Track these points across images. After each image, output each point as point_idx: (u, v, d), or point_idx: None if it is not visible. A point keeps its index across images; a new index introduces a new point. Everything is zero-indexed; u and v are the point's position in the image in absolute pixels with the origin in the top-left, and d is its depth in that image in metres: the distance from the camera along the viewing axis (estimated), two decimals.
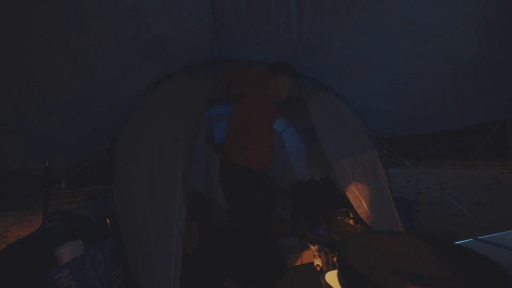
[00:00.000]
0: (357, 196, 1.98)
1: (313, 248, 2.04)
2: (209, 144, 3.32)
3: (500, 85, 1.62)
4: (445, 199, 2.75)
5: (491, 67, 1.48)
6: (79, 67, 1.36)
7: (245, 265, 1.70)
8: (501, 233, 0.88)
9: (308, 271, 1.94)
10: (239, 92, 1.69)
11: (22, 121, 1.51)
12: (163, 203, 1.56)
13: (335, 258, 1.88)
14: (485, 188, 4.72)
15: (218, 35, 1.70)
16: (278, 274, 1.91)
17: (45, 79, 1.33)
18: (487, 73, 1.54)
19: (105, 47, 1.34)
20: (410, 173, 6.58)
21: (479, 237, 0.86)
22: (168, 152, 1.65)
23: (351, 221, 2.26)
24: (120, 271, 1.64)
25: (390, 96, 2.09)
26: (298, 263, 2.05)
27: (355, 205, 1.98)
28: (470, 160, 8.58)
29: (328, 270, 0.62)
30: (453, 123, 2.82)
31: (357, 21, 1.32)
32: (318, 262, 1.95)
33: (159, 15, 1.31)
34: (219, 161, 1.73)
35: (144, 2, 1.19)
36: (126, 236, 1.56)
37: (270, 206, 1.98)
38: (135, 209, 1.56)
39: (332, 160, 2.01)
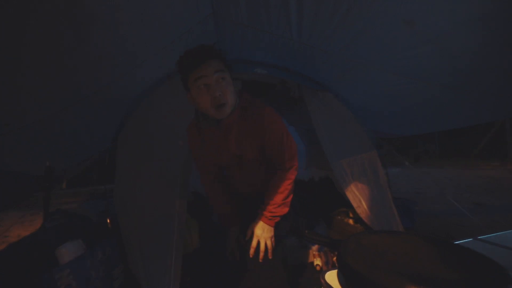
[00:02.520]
0: (357, 196, 1.98)
1: (313, 247, 2.05)
2: None
3: (502, 85, 1.62)
4: (445, 199, 2.75)
5: (492, 67, 1.48)
6: (80, 67, 1.36)
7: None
8: (501, 232, 0.88)
9: (308, 271, 1.94)
10: None
11: (23, 121, 1.51)
12: (163, 202, 1.56)
13: (335, 258, 1.88)
14: (485, 188, 4.72)
15: (218, 35, 1.71)
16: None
17: (46, 80, 1.33)
18: (489, 73, 1.54)
19: (104, 47, 1.34)
20: (410, 173, 6.57)
21: (479, 237, 0.86)
22: (169, 152, 1.65)
23: (350, 221, 2.27)
24: (120, 271, 1.64)
25: (390, 96, 2.09)
26: (298, 263, 2.05)
27: (354, 204, 1.98)
28: (470, 160, 8.58)
29: (328, 269, 0.62)
30: (454, 123, 2.82)
31: (357, 21, 1.32)
32: (318, 262, 1.96)
33: (159, 15, 1.31)
34: None
35: (143, 2, 1.19)
36: (127, 236, 1.57)
37: None
38: (135, 208, 1.56)
39: (332, 160, 2.01)
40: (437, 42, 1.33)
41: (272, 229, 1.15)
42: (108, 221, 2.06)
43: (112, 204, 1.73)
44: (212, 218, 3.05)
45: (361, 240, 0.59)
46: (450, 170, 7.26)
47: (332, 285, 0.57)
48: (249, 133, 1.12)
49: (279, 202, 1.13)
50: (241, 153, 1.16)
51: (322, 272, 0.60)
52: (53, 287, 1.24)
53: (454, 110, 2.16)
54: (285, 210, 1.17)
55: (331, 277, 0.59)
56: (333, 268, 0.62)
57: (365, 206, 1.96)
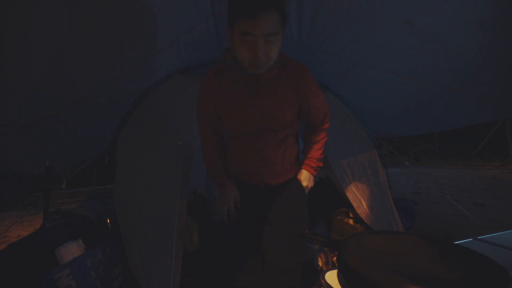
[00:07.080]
0: (357, 196, 1.98)
1: (313, 248, 2.04)
2: None
3: (502, 85, 1.62)
4: (445, 199, 2.76)
5: (492, 67, 1.48)
6: (80, 67, 1.36)
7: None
8: (501, 233, 0.88)
9: (308, 271, 1.94)
10: None
11: (23, 121, 1.51)
12: (163, 202, 1.56)
13: (335, 258, 1.88)
14: (485, 188, 4.71)
15: (218, 35, 1.71)
16: None
17: (46, 80, 1.33)
18: (489, 73, 1.54)
19: (105, 48, 1.34)
20: (410, 173, 6.58)
21: (479, 237, 0.86)
22: (168, 152, 1.65)
23: (351, 221, 2.26)
24: (120, 271, 1.64)
25: (390, 96, 2.09)
26: None
27: (354, 204, 1.98)
28: (470, 160, 8.58)
29: (328, 270, 0.62)
30: (454, 123, 2.82)
31: (357, 21, 1.32)
32: (318, 262, 1.95)
33: (159, 16, 1.31)
34: None
35: (143, 2, 1.19)
36: (126, 236, 1.56)
37: None
38: (135, 209, 1.56)
39: (332, 160, 2.01)
40: (437, 42, 1.33)
41: (313, 178, 1.26)
42: (108, 221, 2.06)
43: (112, 204, 1.72)
44: (212, 218, 3.06)
45: (361, 240, 0.59)
46: (450, 170, 7.26)
47: (332, 285, 0.57)
48: (288, 94, 0.98)
49: (319, 157, 1.22)
50: (276, 114, 0.99)
51: (322, 272, 0.60)
52: (53, 287, 1.24)
53: (454, 110, 2.16)
54: (321, 163, 1.26)
55: (331, 277, 0.59)
56: (333, 268, 0.61)
57: (365, 206, 1.96)
